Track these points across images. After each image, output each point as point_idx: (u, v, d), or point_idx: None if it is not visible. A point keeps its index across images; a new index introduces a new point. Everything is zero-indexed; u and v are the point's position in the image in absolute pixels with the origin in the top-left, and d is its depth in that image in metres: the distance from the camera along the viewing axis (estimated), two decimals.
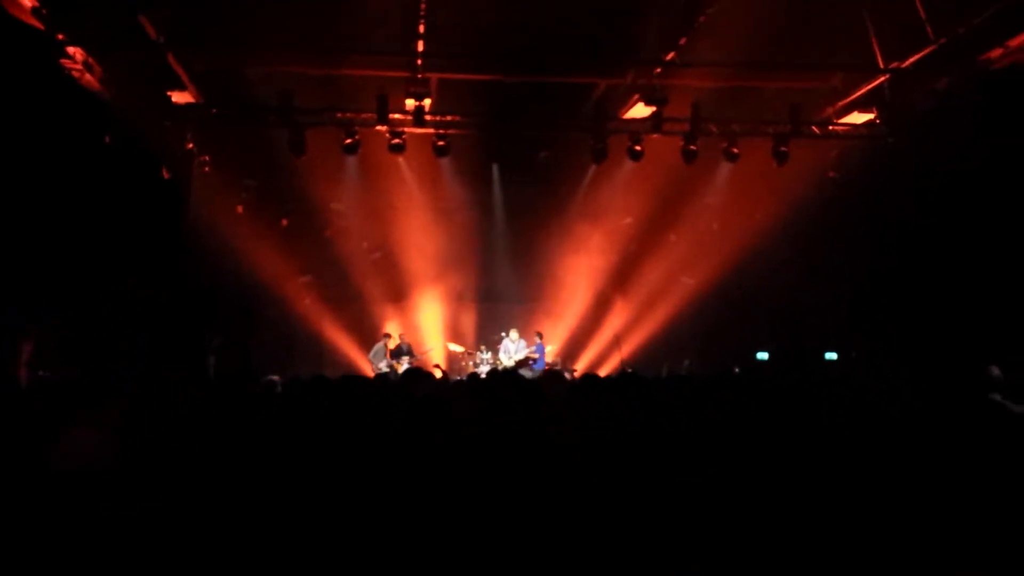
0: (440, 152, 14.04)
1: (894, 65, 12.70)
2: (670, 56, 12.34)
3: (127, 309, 10.45)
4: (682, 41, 11.89)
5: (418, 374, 5.86)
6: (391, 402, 4.80)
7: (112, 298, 10.18)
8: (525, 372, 15.67)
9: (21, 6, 10.15)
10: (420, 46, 12.15)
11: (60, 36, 10.81)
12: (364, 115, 13.59)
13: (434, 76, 13.29)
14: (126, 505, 3.47)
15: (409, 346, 17.23)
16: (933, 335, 11.95)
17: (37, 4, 10.31)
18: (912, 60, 12.39)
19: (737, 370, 16.80)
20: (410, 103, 13.20)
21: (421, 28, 11.72)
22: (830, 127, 14.45)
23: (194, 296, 14.04)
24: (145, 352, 10.72)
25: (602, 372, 17.46)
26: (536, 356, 16.96)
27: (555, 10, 11.74)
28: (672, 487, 3.40)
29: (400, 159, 14.91)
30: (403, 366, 16.71)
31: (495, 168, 16.84)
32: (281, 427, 4.70)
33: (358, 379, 6.15)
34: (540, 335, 17.62)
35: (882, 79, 13.24)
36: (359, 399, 5.01)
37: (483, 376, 8.31)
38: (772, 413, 4.37)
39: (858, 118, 13.92)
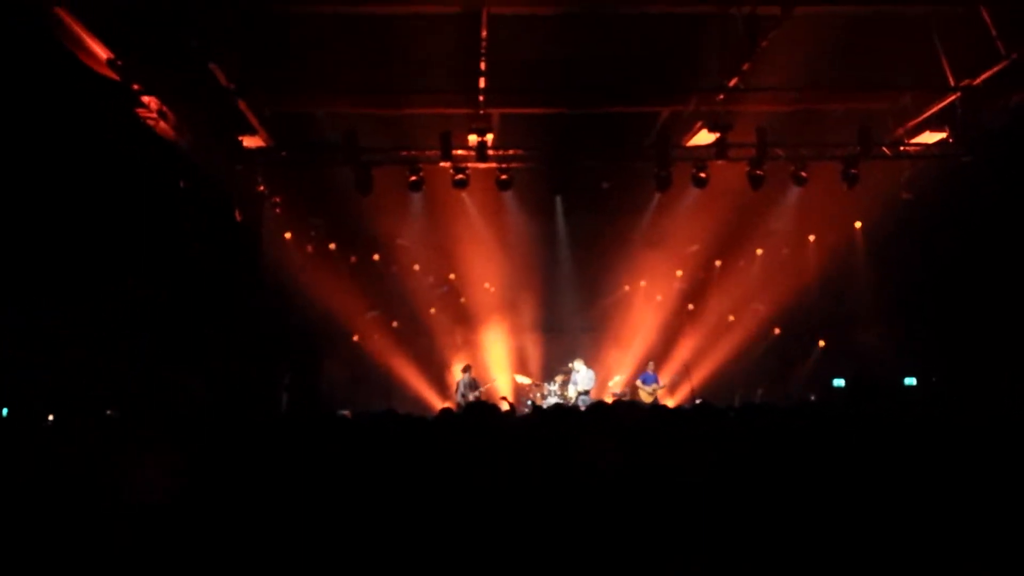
0: (503, 186, 14.12)
1: (965, 83, 12.35)
2: (733, 82, 12.23)
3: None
4: (745, 66, 11.77)
5: (482, 408, 5.84)
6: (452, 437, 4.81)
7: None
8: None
9: (97, 59, 10.60)
10: (481, 83, 12.28)
11: (135, 86, 11.25)
12: (428, 152, 13.75)
13: (496, 111, 13.42)
14: (195, 539, 3.53)
15: (475, 380, 17.33)
16: (1014, 356, 11.50)
17: (113, 56, 10.76)
18: (984, 77, 12.03)
19: (813, 397, 16.43)
20: (473, 139, 13.32)
21: (482, 65, 11.84)
22: (901, 148, 14.08)
23: (266, 331, 14.33)
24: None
25: (672, 402, 17.22)
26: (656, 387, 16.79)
27: (615, 40, 11.77)
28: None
29: (464, 194, 15.04)
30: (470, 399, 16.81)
31: (558, 200, 16.88)
32: (350, 461, 4.73)
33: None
34: (651, 363, 17.47)
35: (953, 97, 12.87)
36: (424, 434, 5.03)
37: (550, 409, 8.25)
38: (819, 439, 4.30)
39: (930, 138, 13.53)
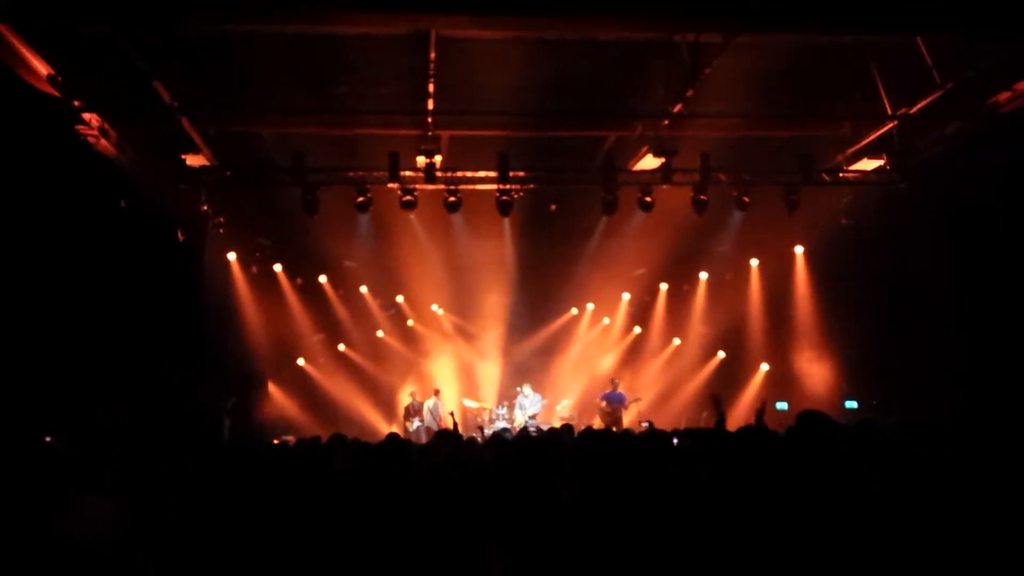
0: (451, 208, 14.07)
1: (902, 111, 12.72)
2: (678, 108, 12.42)
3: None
4: (689, 93, 11.96)
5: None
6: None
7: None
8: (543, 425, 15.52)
9: (38, 74, 10.36)
10: (430, 104, 12.28)
11: (76, 103, 11.01)
12: (376, 173, 13.65)
13: (444, 133, 13.41)
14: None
15: (421, 404, 17.36)
16: (952, 377, 11.80)
17: (53, 72, 10.53)
18: (920, 106, 12.40)
19: (756, 419, 16.61)
20: (421, 160, 13.27)
21: (431, 87, 11.84)
22: (840, 174, 14.43)
23: (208, 355, 14.03)
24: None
25: (621, 425, 17.28)
26: (620, 407, 16.76)
27: (563, 65, 11.86)
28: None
29: (412, 216, 14.96)
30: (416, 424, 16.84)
31: (506, 222, 16.91)
32: (291, 488, 4.64)
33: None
34: (615, 381, 17.42)
35: (891, 125, 13.25)
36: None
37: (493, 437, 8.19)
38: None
39: (868, 165, 13.88)
